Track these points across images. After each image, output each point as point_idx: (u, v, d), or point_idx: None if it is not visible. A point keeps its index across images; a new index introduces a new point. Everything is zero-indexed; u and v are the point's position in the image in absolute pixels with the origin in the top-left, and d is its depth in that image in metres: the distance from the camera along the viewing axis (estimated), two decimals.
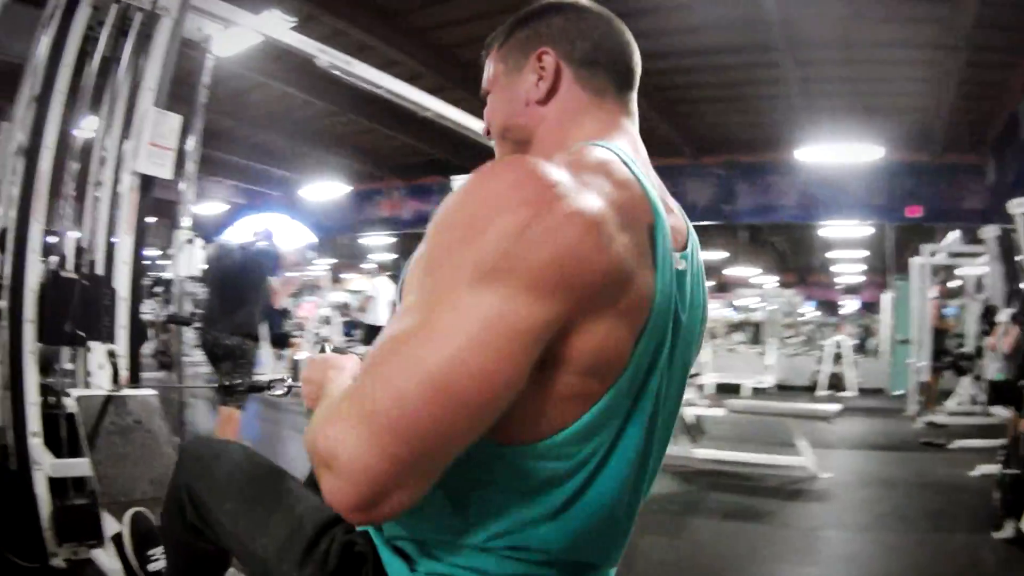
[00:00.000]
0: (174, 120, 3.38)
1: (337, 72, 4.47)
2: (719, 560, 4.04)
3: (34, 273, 3.02)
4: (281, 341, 9.68)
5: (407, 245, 16.61)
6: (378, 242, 21.46)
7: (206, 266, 4.69)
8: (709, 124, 11.97)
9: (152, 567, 1.93)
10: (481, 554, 0.94)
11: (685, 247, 1.03)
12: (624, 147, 1.02)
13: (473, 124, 5.42)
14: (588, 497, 0.93)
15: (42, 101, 3.02)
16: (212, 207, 20.41)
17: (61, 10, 3.01)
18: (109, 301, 3.22)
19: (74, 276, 3.13)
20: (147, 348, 7.52)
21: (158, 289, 11.01)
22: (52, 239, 3.23)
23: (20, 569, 2.77)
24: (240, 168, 16.76)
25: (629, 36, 1.14)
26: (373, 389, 0.76)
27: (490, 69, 1.18)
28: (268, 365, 9.84)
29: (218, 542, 1.29)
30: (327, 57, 4.35)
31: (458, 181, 6.66)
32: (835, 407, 6.37)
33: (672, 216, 1.02)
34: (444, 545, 0.96)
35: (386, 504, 0.76)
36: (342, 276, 27.05)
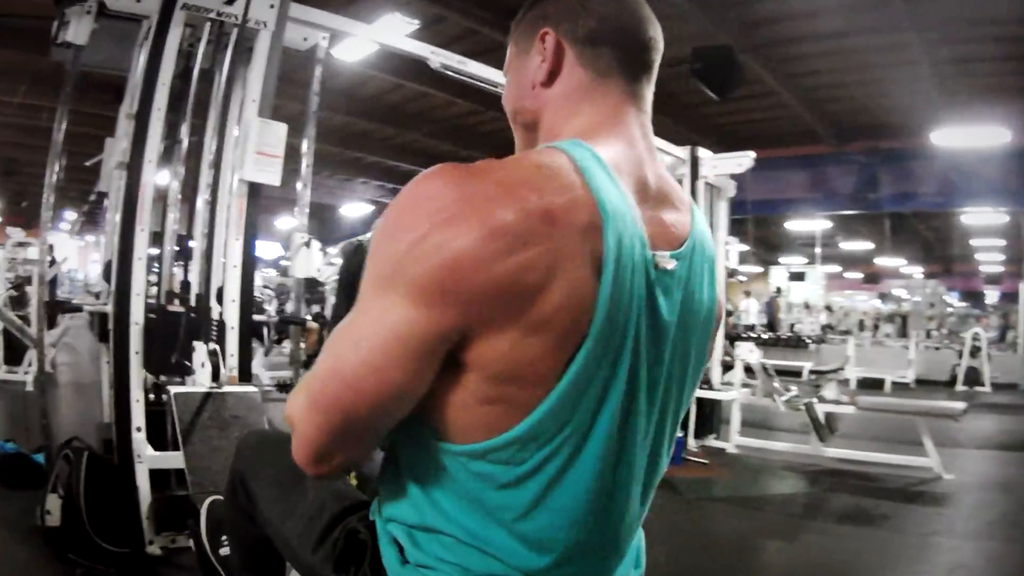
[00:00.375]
0: (280, 128, 3.48)
1: (451, 73, 4.52)
2: (821, 568, 3.90)
3: (139, 279, 3.24)
4: None
5: None
6: None
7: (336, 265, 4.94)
8: (848, 110, 11.48)
9: (223, 551, 2.03)
10: (463, 548, 0.95)
11: (681, 245, 0.99)
12: (606, 145, 0.97)
13: None
14: (550, 504, 0.93)
15: (140, 118, 3.20)
16: (358, 208, 21.19)
17: (155, 28, 3.18)
18: (217, 328, 3.39)
19: (180, 310, 3.37)
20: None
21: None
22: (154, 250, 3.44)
23: (116, 555, 2.96)
24: (385, 169, 17.33)
25: (646, 13, 1.06)
26: (314, 371, 0.92)
27: (508, 52, 1.15)
28: None
29: (262, 527, 1.36)
30: (439, 58, 4.41)
31: None
32: (960, 405, 6.10)
33: (664, 213, 1.00)
34: (430, 536, 0.98)
35: (328, 463, 0.94)
36: None
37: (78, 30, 3.14)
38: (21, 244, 8.24)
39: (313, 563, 1.15)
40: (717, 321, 1.09)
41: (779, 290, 20.30)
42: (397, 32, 6.42)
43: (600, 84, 1.03)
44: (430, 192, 0.85)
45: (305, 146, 4.19)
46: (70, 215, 22.18)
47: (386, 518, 1.04)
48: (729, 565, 3.89)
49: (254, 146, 3.37)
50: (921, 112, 10.27)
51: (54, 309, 4.30)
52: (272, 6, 3.47)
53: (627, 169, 0.97)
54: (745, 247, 22.21)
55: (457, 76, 4.61)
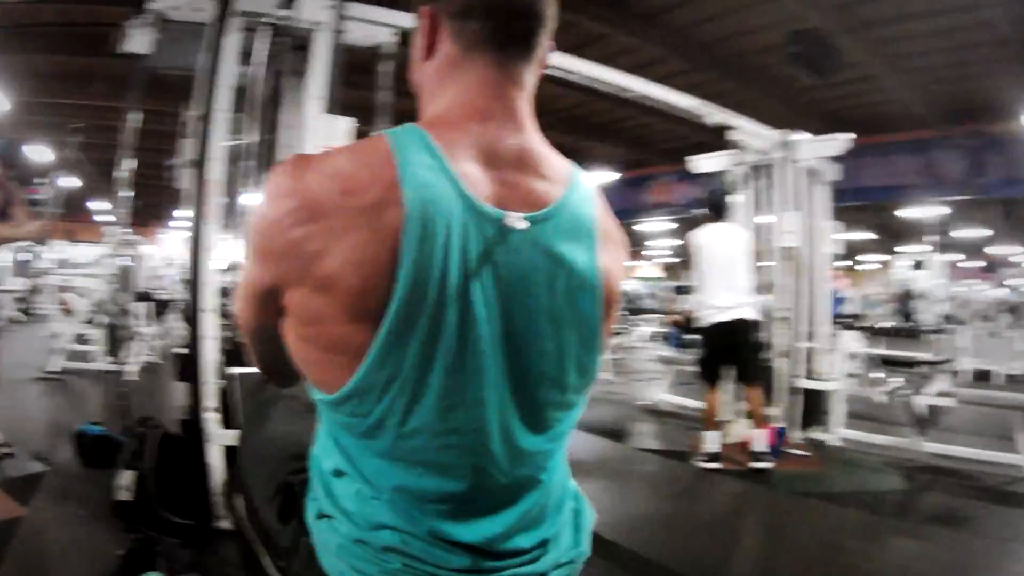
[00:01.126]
0: (345, 123, 3.61)
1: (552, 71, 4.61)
2: (891, 571, 3.79)
3: (208, 269, 3.46)
4: None
5: (684, 230, 16.85)
6: (656, 228, 21.65)
7: None
8: (952, 92, 11.06)
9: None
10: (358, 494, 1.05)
11: (539, 210, 1.03)
12: (450, 125, 1.04)
13: (702, 108, 5.61)
14: (404, 458, 1.01)
15: (206, 118, 3.41)
16: None
17: (213, 35, 3.36)
18: None
19: None
20: None
21: None
22: None
23: (182, 527, 3.17)
24: None
25: None
26: None
27: None
28: None
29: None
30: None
31: (695, 162, 6.66)
32: None
33: (523, 178, 1.04)
34: (331, 484, 1.08)
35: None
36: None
37: (140, 40, 3.36)
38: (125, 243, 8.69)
39: (270, 520, 1.27)
40: (606, 299, 1.09)
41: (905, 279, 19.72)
42: None
43: (466, 58, 1.07)
44: (273, 178, 1.00)
45: None
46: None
47: (313, 465, 1.14)
48: (805, 566, 3.83)
49: (320, 141, 3.49)
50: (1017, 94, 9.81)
51: (145, 300, 4.56)
52: (330, 7, 3.62)
53: (471, 141, 1.02)
54: (864, 235, 21.47)
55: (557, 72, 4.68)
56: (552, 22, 1.10)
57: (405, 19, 4.13)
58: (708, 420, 5.34)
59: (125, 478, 3.33)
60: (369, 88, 3.91)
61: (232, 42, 3.38)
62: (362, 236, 0.92)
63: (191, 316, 3.45)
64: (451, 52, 1.07)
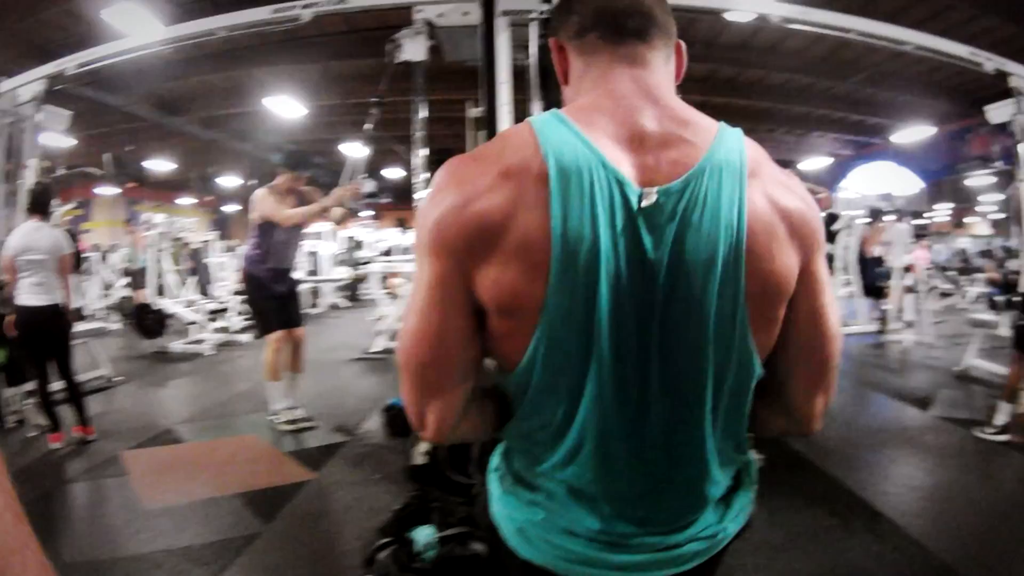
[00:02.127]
0: None
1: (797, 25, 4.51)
2: None
3: None
4: (874, 291, 10.08)
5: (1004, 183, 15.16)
6: (982, 183, 19.81)
7: None
8: None
9: None
10: (529, 466, 1.22)
11: (664, 180, 1.05)
12: (587, 109, 1.11)
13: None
14: (564, 428, 1.13)
15: (489, 115, 3.65)
16: (818, 161, 21.04)
17: (482, 35, 3.58)
18: None
19: None
20: None
21: None
22: None
23: (467, 488, 3.42)
24: (835, 120, 17.18)
25: None
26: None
27: None
28: (862, 313, 10.18)
29: None
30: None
31: (990, 112, 6.18)
32: None
33: (664, 152, 1.06)
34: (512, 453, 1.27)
35: (425, 426, 1.16)
36: (965, 221, 24.78)
37: (414, 49, 3.68)
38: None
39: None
40: (756, 251, 1.06)
41: None
42: None
43: (592, 63, 1.17)
44: (434, 178, 1.11)
45: None
46: None
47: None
48: None
49: None
50: None
51: None
52: None
53: (609, 123, 1.07)
54: None
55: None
56: (666, 17, 1.18)
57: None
58: (1008, 389, 5.13)
59: (422, 444, 3.66)
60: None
61: (504, 40, 3.58)
62: (525, 204, 1.01)
63: None
64: (580, 65, 1.19)
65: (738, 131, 1.12)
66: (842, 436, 5.23)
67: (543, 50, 3.84)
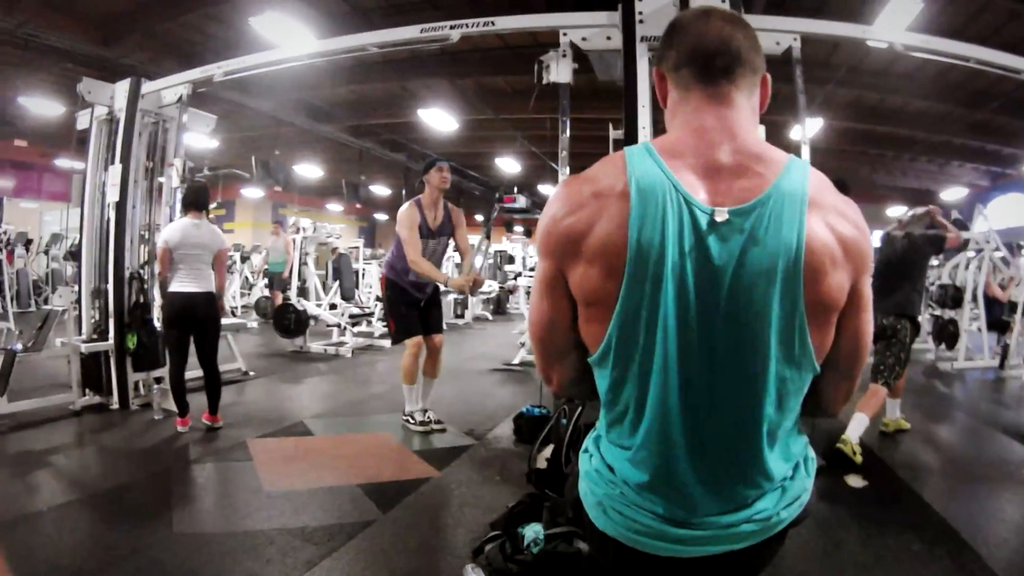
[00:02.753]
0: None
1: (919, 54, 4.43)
2: None
3: None
4: (998, 325, 10.03)
5: None
6: None
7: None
8: None
9: None
10: (609, 448, 1.40)
11: (745, 203, 1.22)
12: (672, 141, 1.31)
13: None
14: (638, 409, 1.29)
15: (628, 136, 3.66)
16: (956, 192, 20.63)
17: (623, 61, 3.68)
18: None
19: None
20: None
21: None
22: None
23: None
24: (974, 150, 16.65)
25: (716, 27, 1.32)
26: None
27: None
28: (984, 348, 9.99)
29: None
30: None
31: None
32: None
33: (738, 181, 1.24)
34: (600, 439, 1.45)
35: (551, 383, 1.48)
36: None
37: (559, 71, 3.71)
38: None
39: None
40: (813, 267, 1.21)
41: None
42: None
43: (685, 96, 1.34)
44: (552, 196, 1.36)
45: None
46: None
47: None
48: None
49: None
50: None
51: None
52: None
53: (691, 155, 1.27)
54: None
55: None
56: (752, 54, 1.34)
57: (808, 24, 4.09)
58: None
59: (545, 450, 3.60)
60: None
61: (643, 65, 3.59)
62: (608, 217, 1.23)
63: None
64: (675, 96, 1.37)
65: (805, 163, 1.27)
66: (946, 467, 5.24)
67: None
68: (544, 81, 4.10)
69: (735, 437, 1.28)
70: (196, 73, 5.96)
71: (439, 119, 14.01)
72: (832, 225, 1.23)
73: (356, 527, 3.60)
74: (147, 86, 6.17)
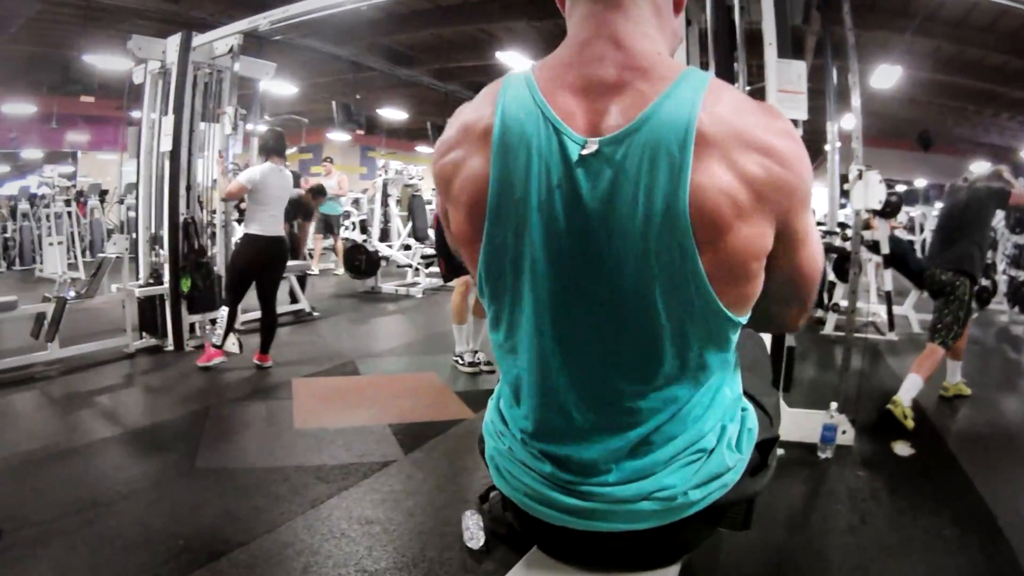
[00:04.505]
0: (799, 67, 3.53)
1: None
2: None
3: None
4: None
5: None
6: None
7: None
8: None
9: None
10: (503, 392, 1.32)
11: (611, 130, 1.03)
12: (553, 60, 1.13)
13: None
14: (516, 361, 1.20)
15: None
16: None
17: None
18: None
19: None
20: None
21: None
22: None
23: None
24: None
25: None
26: None
27: None
28: None
29: None
30: None
31: None
32: None
33: (613, 102, 1.04)
34: None
35: None
36: None
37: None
38: None
39: None
40: (706, 221, 0.98)
41: None
42: None
43: (573, 2, 1.14)
44: None
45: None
46: None
47: None
48: None
49: (775, 85, 3.46)
50: None
51: None
52: None
53: (569, 72, 1.09)
54: None
55: None
56: None
57: None
58: None
59: None
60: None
61: None
62: (472, 157, 1.11)
63: None
64: (567, 3, 1.16)
65: (702, 78, 1.04)
66: (1001, 441, 4.61)
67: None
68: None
69: (620, 392, 1.12)
70: (243, 24, 6.07)
71: (518, 62, 13.83)
72: (737, 165, 0.99)
73: (373, 467, 3.68)
74: (198, 39, 6.30)
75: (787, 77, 3.48)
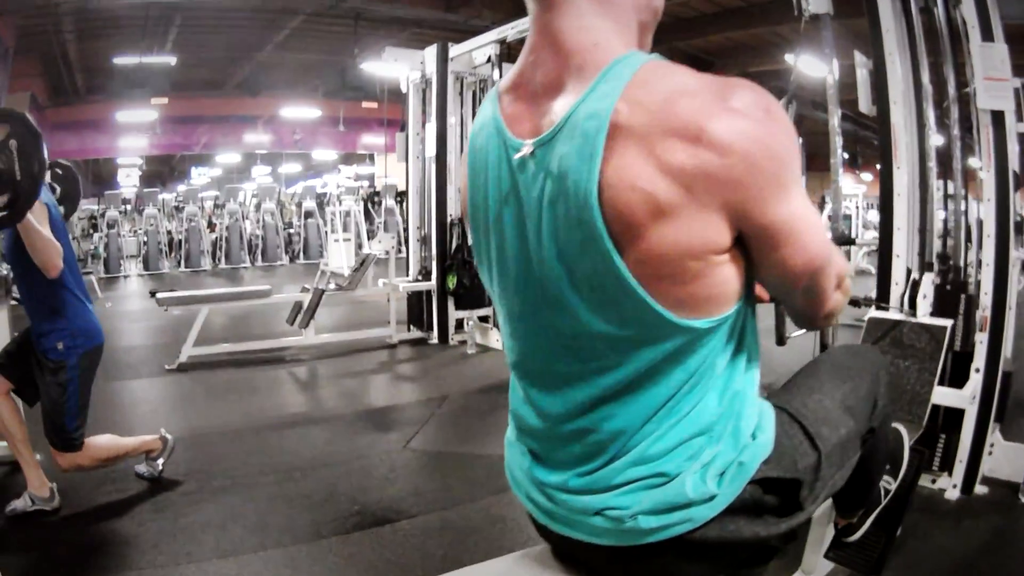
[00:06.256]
0: (1000, 50, 3.14)
1: None
2: None
3: (901, 215, 3.38)
4: None
5: None
6: None
7: None
8: None
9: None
10: None
11: (542, 133, 1.00)
12: (513, 69, 1.09)
13: None
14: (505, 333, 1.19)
15: (877, 65, 3.41)
16: None
17: None
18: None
19: None
20: None
21: None
22: None
23: None
24: None
25: None
26: None
27: None
28: None
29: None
30: None
31: None
32: None
33: (548, 104, 1.01)
34: None
35: None
36: None
37: (817, 1, 3.43)
38: None
39: None
40: (621, 218, 0.91)
41: None
42: None
43: (528, 7, 1.06)
44: None
45: None
46: None
47: None
48: None
49: (980, 72, 3.09)
50: None
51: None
52: None
53: (521, 80, 1.06)
54: None
55: None
56: None
57: None
58: None
59: None
60: None
61: None
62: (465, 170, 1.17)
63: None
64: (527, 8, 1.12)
65: (631, 69, 0.94)
66: None
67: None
68: (806, 14, 3.72)
69: (572, 400, 1.07)
70: (493, 35, 6.32)
71: (811, 65, 13.26)
72: (658, 155, 0.88)
73: None
74: (455, 49, 6.68)
75: (991, 63, 3.08)
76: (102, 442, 3.20)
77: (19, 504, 3.05)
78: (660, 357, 0.99)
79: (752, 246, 0.96)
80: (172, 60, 14.74)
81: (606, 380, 1.03)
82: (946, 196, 3.41)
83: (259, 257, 16.70)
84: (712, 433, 1.04)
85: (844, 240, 3.93)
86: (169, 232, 16.39)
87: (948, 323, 3.02)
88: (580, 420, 1.08)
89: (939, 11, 3.34)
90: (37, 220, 2.76)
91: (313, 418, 4.54)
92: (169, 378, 5.58)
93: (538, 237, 1.01)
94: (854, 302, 2.37)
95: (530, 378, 1.15)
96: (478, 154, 1.10)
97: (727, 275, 0.96)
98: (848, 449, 1.26)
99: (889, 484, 1.95)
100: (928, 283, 3.19)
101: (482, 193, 1.09)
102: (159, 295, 6.23)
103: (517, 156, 1.01)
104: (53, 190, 3.65)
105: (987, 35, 3.09)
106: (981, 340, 3.08)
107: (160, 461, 3.42)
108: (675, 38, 13.30)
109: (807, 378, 1.32)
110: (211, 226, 17.21)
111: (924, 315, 3.12)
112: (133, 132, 19.47)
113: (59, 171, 3.88)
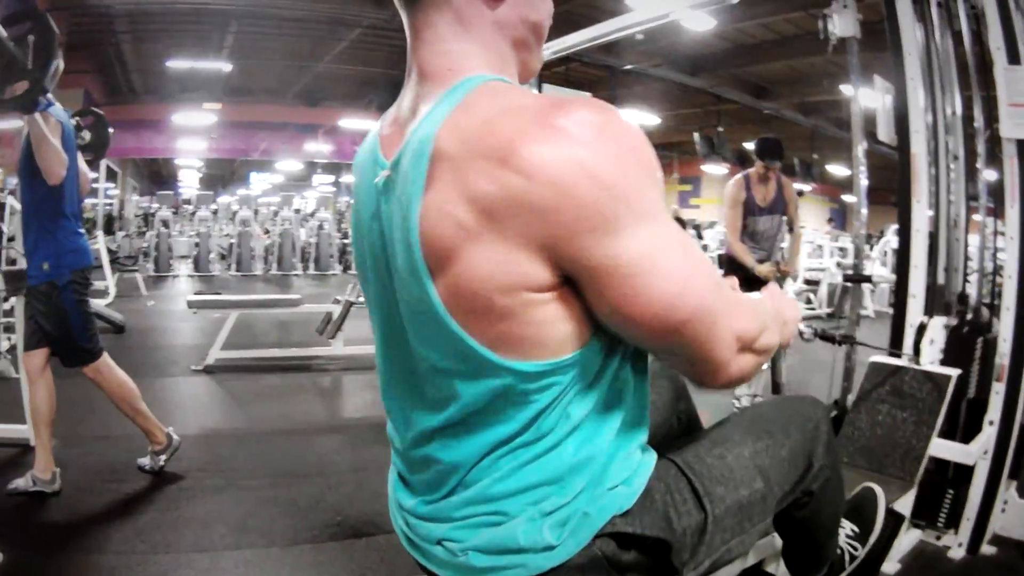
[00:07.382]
0: (1021, 72, 2.89)
1: None
2: None
3: (919, 252, 3.24)
4: None
5: None
6: None
7: None
8: None
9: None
10: None
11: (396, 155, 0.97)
12: (401, 95, 1.05)
13: None
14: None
15: (899, 91, 3.28)
16: None
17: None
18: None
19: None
20: None
21: None
22: None
23: None
24: None
25: None
26: None
27: None
28: None
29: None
30: None
31: None
32: None
33: (393, 128, 1.02)
34: None
35: None
36: None
37: (843, 24, 3.33)
38: None
39: None
40: (430, 243, 0.87)
41: None
42: None
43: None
44: None
45: None
46: None
47: None
48: None
49: (1005, 98, 2.86)
50: None
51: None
52: None
53: (397, 105, 1.05)
54: None
55: None
56: None
57: None
58: None
59: None
60: None
61: (905, 6, 3.20)
62: None
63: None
64: None
65: (463, 91, 0.91)
66: None
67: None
68: (831, 37, 3.61)
69: (418, 427, 1.04)
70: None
71: (868, 96, 13.00)
72: (465, 180, 0.84)
73: None
74: None
75: (1017, 88, 2.84)
76: (123, 375, 3.42)
77: (21, 483, 3.17)
78: (488, 395, 0.94)
79: (584, 289, 0.87)
80: (226, 67, 15.01)
81: (445, 411, 0.99)
82: (966, 232, 3.27)
83: (311, 265, 16.90)
84: (563, 483, 0.97)
85: (859, 278, 3.75)
86: (227, 235, 16.76)
87: (954, 372, 2.80)
88: (425, 448, 1.05)
89: (965, 32, 3.18)
90: (50, 133, 2.99)
91: (322, 427, 4.58)
92: (194, 379, 5.69)
93: (390, 262, 0.98)
94: (829, 338, 2.15)
95: (390, 402, 1.15)
96: (358, 172, 1.10)
97: (550, 315, 0.88)
98: (752, 514, 1.14)
99: (856, 551, 1.76)
100: (938, 327, 2.97)
101: (359, 215, 1.07)
102: (189, 298, 6.36)
103: (376, 179, 0.98)
104: (82, 137, 3.91)
105: (1014, 58, 2.85)
106: (998, 391, 2.80)
107: (163, 458, 3.50)
108: (733, 65, 13.24)
109: (717, 429, 1.23)
110: (266, 232, 17.51)
111: (930, 362, 2.92)
112: (190, 134, 19.96)
113: (92, 118, 4.14)
